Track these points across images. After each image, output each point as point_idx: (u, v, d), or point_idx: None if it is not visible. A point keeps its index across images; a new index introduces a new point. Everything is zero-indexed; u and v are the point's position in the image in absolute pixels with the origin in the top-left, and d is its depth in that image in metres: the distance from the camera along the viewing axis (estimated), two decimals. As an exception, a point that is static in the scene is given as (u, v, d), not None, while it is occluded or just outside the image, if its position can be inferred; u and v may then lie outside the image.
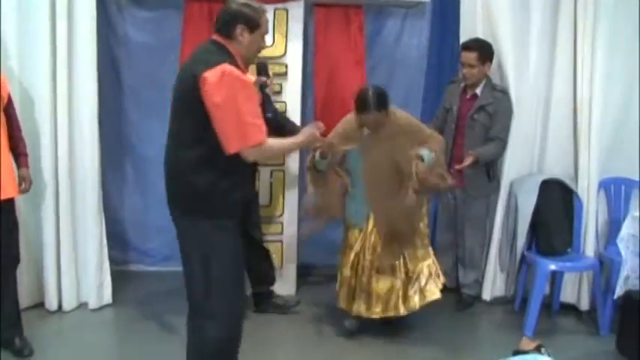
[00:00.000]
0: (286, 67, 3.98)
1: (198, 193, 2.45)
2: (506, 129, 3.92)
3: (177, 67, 3.98)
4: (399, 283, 3.49)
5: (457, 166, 3.76)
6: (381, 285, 3.48)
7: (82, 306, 3.89)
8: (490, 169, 3.97)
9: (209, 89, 2.31)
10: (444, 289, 4.23)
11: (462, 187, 3.97)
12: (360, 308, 3.53)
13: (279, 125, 3.80)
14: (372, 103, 3.27)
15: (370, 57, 4.34)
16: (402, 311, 3.51)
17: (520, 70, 3.99)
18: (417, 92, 4.49)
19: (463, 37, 4.03)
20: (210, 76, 2.31)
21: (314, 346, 3.58)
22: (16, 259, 3.31)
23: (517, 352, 3.29)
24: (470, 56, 3.81)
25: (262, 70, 2.65)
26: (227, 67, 2.33)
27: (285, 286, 4.18)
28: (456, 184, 3.93)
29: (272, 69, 3.93)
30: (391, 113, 3.38)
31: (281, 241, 4.13)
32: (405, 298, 3.52)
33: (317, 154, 3.40)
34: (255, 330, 3.62)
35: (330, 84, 4.26)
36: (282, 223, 4.12)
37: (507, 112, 3.90)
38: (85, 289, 3.91)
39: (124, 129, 4.41)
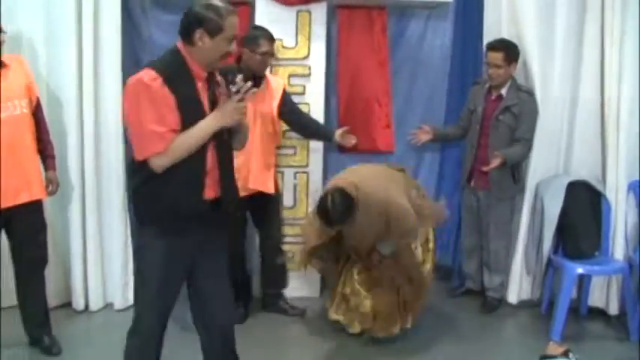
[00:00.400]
0: (309, 68, 3.98)
1: (130, 195, 2.52)
2: (532, 130, 3.88)
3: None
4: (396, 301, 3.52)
5: (484, 168, 3.76)
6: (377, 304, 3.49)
7: (108, 306, 3.92)
8: (515, 171, 3.92)
9: (123, 96, 2.35)
10: (469, 292, 4.22)
11: (486, 190, 3.94)
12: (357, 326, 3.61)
13: (302, 127, 3.81)
14: (333, 217, 3.12)
15: (393, 58, 4.31)
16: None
17: (546, 70, 3.94)
18: (440, 93, 4.44)
19: (487, 38, 3.99)
20: (128, 83, 2.30)
21: (335, 347, 3.57)
22: (44, 260, 3.36)
23: (544, 357, 3.23)
24: (496, 56, 3.78)
25: (229, 77, 2.34)
26: (143, 72, 2.26)
27: (309, 288, 4.19)
28: (481, 186, 3.96)
29: (295, 70, 3.95)
30: (362, 204, 3.15)
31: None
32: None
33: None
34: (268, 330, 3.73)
35: (353, 86, 4.25)
36: (305, 226, 4.10)
37: (533, 113, 3.86)
38: (111, 290, 3.95)
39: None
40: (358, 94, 4.25)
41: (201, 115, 2.33)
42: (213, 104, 2.39)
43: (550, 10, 3.91)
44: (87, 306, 3.89)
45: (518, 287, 4.13)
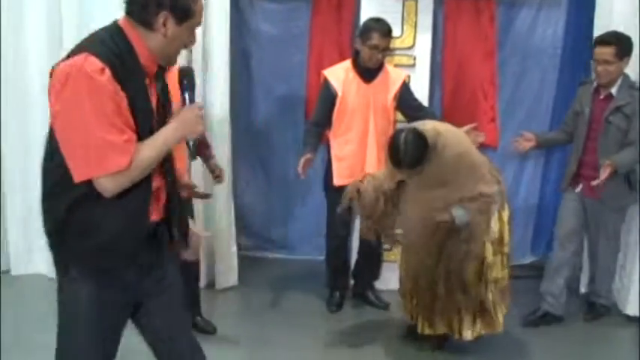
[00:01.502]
0: (414, 59, 3.93)
1: (49, 230, 1.87)
2: None
3: (306, 59, 4.08)
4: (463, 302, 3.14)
5: (593, 183, 3.36)
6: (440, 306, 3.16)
7: (210, 286, 4.05)
8: (630, 177, 3.54)
9: (51, 90, 1.74)
10: (547, 318, 3.74)
11: (595, 199, 3.54)
12: (423, 325, 3.28)
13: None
14: (403, 160, 2.85)
15: (501, 49, 4.19)
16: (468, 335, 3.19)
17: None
18: (549, 87, 4.28)
19: (597, 29, 3.67)
20: (59, 71, 1.72)
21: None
22: None
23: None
24: (606, 52, 3.41)
25: (186, 78, 1.95)
26: (82, 60, 1.70)
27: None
28: (589, 194, 3.55)
29: (400, 60, 3.92)
30: (439, 150, 2.87)
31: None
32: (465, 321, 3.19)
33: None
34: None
35: (458, 76, 4.16)
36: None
37: None
38: (214, 271, 4.08)
39: (254, 118, 4.54)
40: (463, 85, 4.16)
41: (152, 123, 1.86)
42: (161, 109, 1.92)
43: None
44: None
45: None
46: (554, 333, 3.65)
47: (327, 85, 3.59)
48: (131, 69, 1.78)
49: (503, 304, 3.21)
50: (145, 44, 1.81)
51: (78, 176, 1.74)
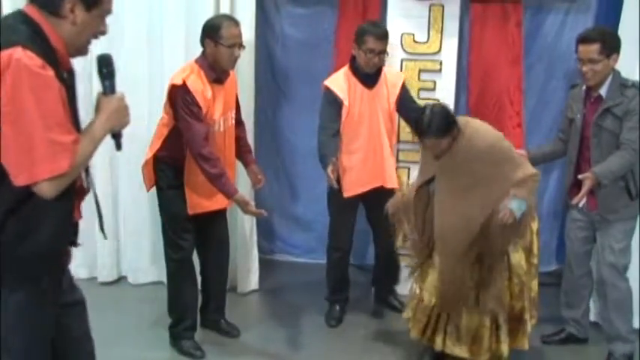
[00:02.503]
0: (440, 64, 3.91)
1: None
2: (638, 129, 3.10)
3: (331, 62, 4.08)
4: (488, 322, 3.01)
5: (574, 200, 3.07)
6: (469, 319, 3.02)
7: (231, 289, 4.04)
8: (630, 184, 3.17)
9: None
10: (571, 340, 3.56)
11: (593, 211, 3.26)
12: (443, 342, 3.08)
13: None
14: (428, 127, 2.83)
15: (528, 55, 4.14)
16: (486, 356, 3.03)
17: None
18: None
19: (622, 33, 3.41)
20: None
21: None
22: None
23: None
24: (590, 49, 3.11)
25: (105, 67, 1.86)
26: (20, 53, 1.60)
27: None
28: (589, 207, 3.26)
29: (425, 65, 3.89)
30: (467, 134, 2.89)
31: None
32: (496, 339, 3.04)
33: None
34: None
35: (484, 82, 4.13)
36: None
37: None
38: (235, 274, 4.09)
39: (278, 122, 4.54)
40: (489, 91, 4.12)
41: (77, 119, 1.82)
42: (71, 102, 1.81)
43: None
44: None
45: None
46: (577, 350, 3.54)
47: (331, 94, 3.47)
48: (54, 62, 1.69)
49: (533, 317, 3.14)
50: (57, 34, 1.73)
51: (20, 180, 1.64)
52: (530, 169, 2.97)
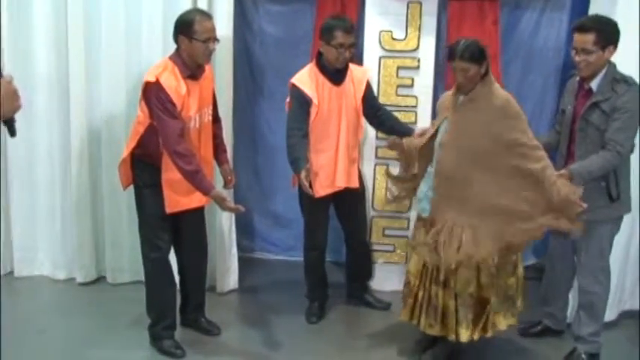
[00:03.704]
0: (418, 61, 3.93)
1: None
2: (625, 130, 3.00)
3: (309, 60, 4.07)
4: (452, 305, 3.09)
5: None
6: (442, 300, 3.11)
7: (210, 289, 4.02)
8: (612, 186, 3.09)
9: None
10: (547, 333, 3.60)
11: None
12: (425, 322, 3.18)
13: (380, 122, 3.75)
14: (460, 50, 2.96)
15: (505, 51, 4.18)
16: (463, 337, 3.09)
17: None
18: (553, 89, 4.27)
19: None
20: None
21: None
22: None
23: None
24: (585, 39, 2.98)
25: None
26: None
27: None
28: None
29: (404, 62, 3.90)
30: (491, 86, 3.04)
31: (407, 237, 4.09)
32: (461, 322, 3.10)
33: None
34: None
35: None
36: (408, 219, 4.08)
37: (630, 107, 2.99)
38: (214, 274, 4.07)
39: (257, 120, 4.54)
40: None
41: None
42: None
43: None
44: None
45: (619, 297, 3.80)
46: (552, 342, 3.59)
47: (299, 93, 3.43)
48: None
49: (508, 317, 3.17)
50: None
51: None
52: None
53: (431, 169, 3.22)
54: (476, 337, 3.11)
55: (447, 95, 3.27)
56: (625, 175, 3.15)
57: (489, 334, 3.13)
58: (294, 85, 3.47)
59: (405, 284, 3.34)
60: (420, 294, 3.19)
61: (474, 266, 3.04)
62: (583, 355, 3.31)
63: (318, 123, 3.48)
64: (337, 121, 3.51)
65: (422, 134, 3.40)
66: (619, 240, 3.38)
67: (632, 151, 3.11)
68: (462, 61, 2.97)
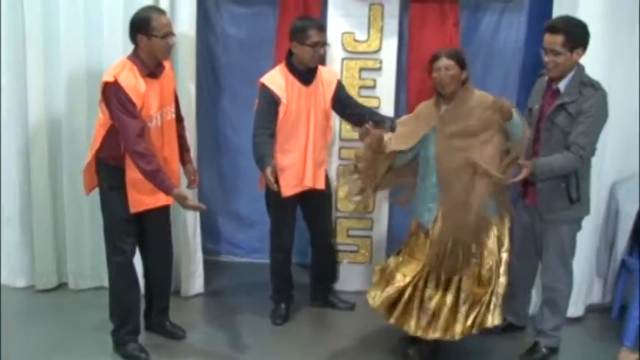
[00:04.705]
0: (380, 62, 3.96)
1: None
2: (590, 134, 3.04)
3: (272, 62, 4.08)
4: (449, 300, 3.14)
5: (510, 180, 3.07)
6: (434, 302, 3.15)
7: (175, 293, 3.99)
8: (572, 188, 3.13)
9: None
10: (510, 329, 3.64)
11: (531, 207, 3.30)
12: (416, 326, 3.19)
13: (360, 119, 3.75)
14: (446, 50, 3.17)
15: (466, 53, 4.20)
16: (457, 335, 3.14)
17: (623, 65, 3.71)
18: (512, 89, 4.34)
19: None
20: None
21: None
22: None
23: (617, 363, 3.14)
24: (554, 40, 3.00)
25: None
26: None
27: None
28: (533, 203, 3.29)
29: (366, 64, 3.93)
30: (472, 89, 3.18)
31: (370, 237, 4.12)
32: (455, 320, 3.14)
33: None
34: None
35: (424, 80, 4.15)
36: (372, 219, 4.11)
37: (596, 112, 3.04)
38: (179, 278, 4.04)
39: (220, 121, 4.52)
40: (429, 88, 4.15)
41: None
42: None
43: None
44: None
45: (588, 291, 3.93)
46: (515, 337, 3.66)
47: (268, 92, 3.45)
48: None
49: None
50: None
51: None
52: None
53: (422, 182, 3.24)
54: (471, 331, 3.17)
55: (427, 105, 3.29)
56: (585, 178, 3.19)
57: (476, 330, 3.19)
58: (263, 85, 3.49)
59: (392, 288, 3.26)
60: (414, 298, 3.20)
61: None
62: (543, 349, 3.39)
63: (286, 122, 3.49)
64: (306, 121, 3.52)
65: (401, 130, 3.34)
66: (586, 236, 3.53)
67: (593, 155, 3.17)
68: (448, 58, 3.11)
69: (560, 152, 3.07)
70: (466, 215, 3.06)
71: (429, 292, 3.16)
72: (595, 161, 3.27)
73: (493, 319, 3.11)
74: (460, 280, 3.14)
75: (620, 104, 3.64)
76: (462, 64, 3.14)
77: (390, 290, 3.24)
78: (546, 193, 3.12)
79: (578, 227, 3.30)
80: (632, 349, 3.21)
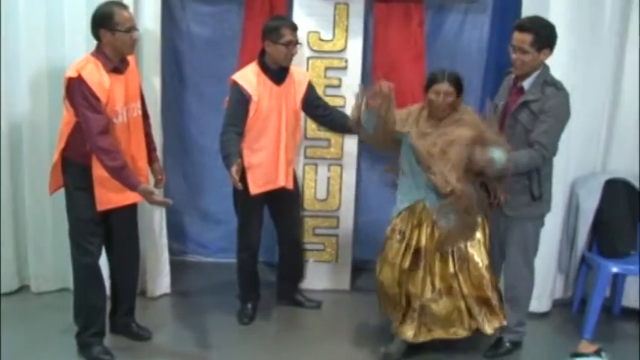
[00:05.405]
0: (346, 61, 3.98)
1: None
2: (552, 133, 3.11)
3: (237, 61, 4.07)
4: (462, 304, 3.23)
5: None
6: (442, 306, 3.22)
7: (141, 294, 3.95)
8: (534, 185, 3.20)
9: None
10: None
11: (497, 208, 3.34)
12: (411, 332, 3.26)
13: (330, 121, 3.79)
14: (448, 74, 3.13)
15: (430, 53, 4.28)
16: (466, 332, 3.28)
17: (586, 65, 3.80)
18: (475, 89, 4.40)
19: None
20: None
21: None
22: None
23: (575, 355, 3.23)
24: (522, 39, 3.06)
25: None
26: None
27: (339, 281, 4.22)
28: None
29: (331, 63, 3.95)
30: (460, 111, 3.19)
31: (336, 235, 4.14)
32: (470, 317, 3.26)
33: (363, 104, 3.25)
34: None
35: (388, 79, 4.09)
36: (337, 218, 4.13)
37: (558, 112, 3.11)
38: (145, 278, 4.00)
39: (185, 120, 4.49)
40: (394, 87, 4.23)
41: None
42: None
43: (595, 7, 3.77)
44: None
45: (552, 286, 4.01)
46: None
47: (239, 90, 3.45)
48: None
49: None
50: None
51: None
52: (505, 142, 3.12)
53: (405, 178, 3.29)
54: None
55: (418, 112, 3.32)
56: (547, 176, 3.26)
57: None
58: (234, 82, 3.48)
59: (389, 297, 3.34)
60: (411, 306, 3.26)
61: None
62: (507, 344, 3.46)
63: (256, 121, 3.48)
64: (277, 120, 3.52)
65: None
66: (550, 232, 3.62)
67: (555, 154, 3.23)
68: (450, 85, 3.12)
69: (525, 149, 3.12)
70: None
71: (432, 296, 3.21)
72: (557, 159, 3.33)
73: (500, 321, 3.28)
74: (460, 283, 3.21)
75: (582, 103, 3.70)
76: (460, 89, 3.16)
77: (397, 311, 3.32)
78: (508, 190, 3.19)
79: (541, 224, 3.37)
80: (591, 341, 3.31)
